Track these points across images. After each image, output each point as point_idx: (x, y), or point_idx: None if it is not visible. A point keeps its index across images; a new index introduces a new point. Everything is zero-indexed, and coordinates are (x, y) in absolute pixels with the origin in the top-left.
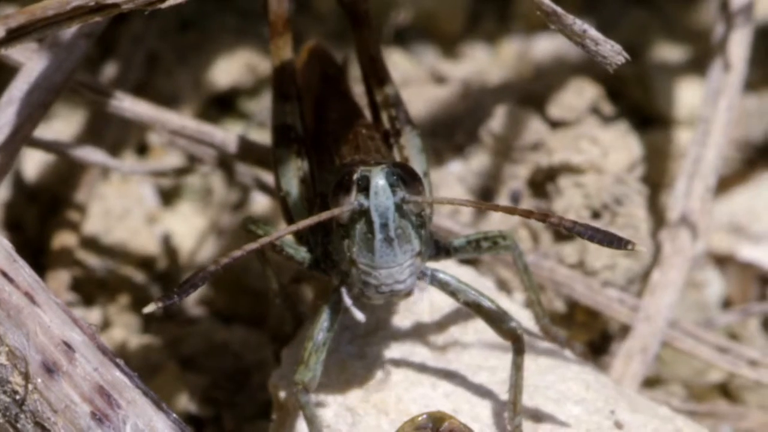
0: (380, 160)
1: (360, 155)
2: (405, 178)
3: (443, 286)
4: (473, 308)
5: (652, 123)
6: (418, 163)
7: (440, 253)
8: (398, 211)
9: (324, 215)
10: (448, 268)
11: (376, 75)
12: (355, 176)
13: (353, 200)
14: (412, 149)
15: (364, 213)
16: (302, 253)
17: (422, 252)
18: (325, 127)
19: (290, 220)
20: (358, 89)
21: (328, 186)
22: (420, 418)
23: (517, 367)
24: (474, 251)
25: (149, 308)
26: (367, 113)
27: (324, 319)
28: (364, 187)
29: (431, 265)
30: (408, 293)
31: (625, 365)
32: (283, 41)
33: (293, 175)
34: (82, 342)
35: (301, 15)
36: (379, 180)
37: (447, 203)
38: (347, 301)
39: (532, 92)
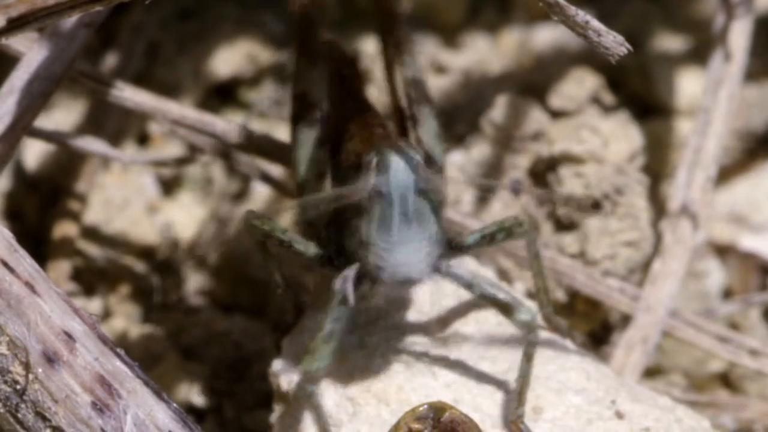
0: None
1: (375, 140)
2: (422, 161)
3: (458, 279)
4: (489, 301)
5: (652, 113)
6: (435, 156)
7: (451, 252)
8: (416, 189)
9: (342, 191)
10: None
11: (393, 35)
12: (373, 157)
13: (372, 180)
14: (429, 140)
15: (382, 192)
16: (312, 249)
17: (438, 240)
18: (342, 124)
19: (304, 212)
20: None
21: (340, 172)
22: (421, 408)
23: (528, 358)
24: (488, 245)
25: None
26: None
27: (334, 311)
28: (383, 166)
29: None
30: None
31: (626, 355)
32: None
33: (312, 166)
34: (82, 332)
35: None
36: (397, 158)
37: (469, 183)
38: (347, 281)
39: (532, 82)
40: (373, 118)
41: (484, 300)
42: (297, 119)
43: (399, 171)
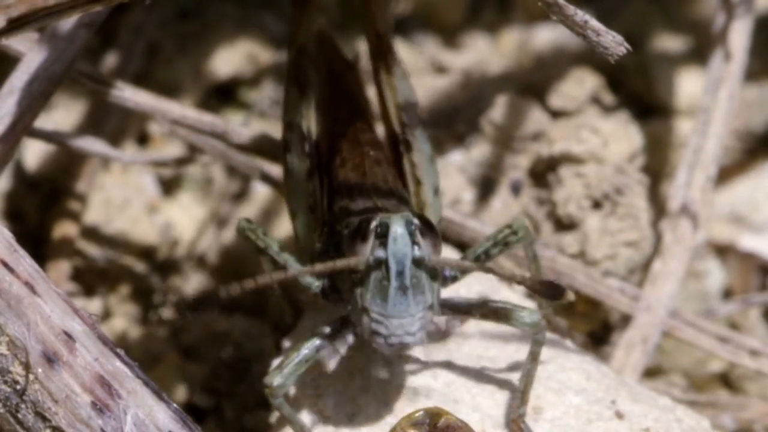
0: (388, 193)
1: (367, 185)
2: (423, 229)
3: (456, 310)
4: (491, 318)
5: (652, 113)
6: (429, 178)
7: (448, 281)
8: (414, 260)
9: (340, 264)
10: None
11: (383, 57)
12: (374, 224)
13: (370, 250)
14: (422, 163)
15: (380, 261)
16: (308, 278)
17: (434, 305)
18: (333, 143)
19: (296, 237)
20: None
21: (334, 216)
22: (417, 414)
23: (534, 357)
24: (485, 262)
25: (167, 314)
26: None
27: (316, 341)
28: (382, 234)
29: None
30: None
31: (626, 355)
32: (306, 18)
33: (303, 197)
34: (82, 332)
35: None
36: (398, 228)
37: (460, 266)
38: (343, 347)
39: (532, 82)
40: (366, 132)
41: (486, 318)
42: (287, 148)
43: (398, 239)
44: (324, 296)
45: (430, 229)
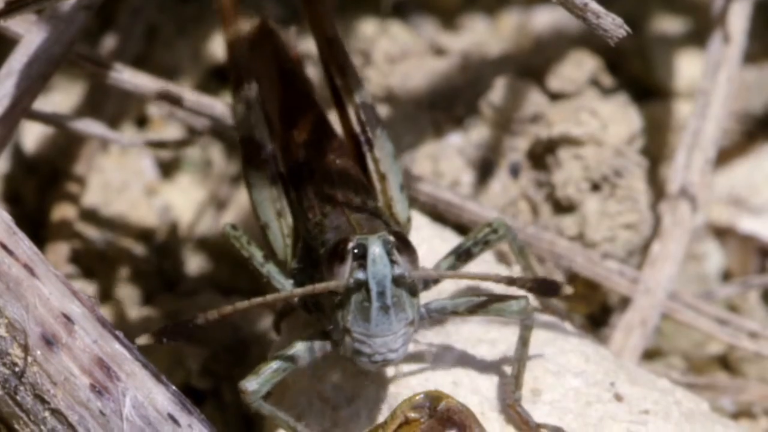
0: (361, 206)
1: (339, 199)
2: (399, 246)
3: (440, 312)
4: (480, 313)
5: (651, 95)
6: (394, 175)
7: (429, 284)
8: (394, 279)
9: (320, 287)
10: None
11: (336, 61)
12: (351, 245)
13: (349, 271)
14: (386, 159)
15: (360, 283)
16: (288, 288)
17: (414, 321)
18: (298, 153)
19: (272, 252)
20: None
21: (309, 234)
22: (418, 398)
23: (524, 342)
24: (466, 261)
25: (142, 340)
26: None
27: (297, 350)
28: (361, 256)
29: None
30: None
31: (625, 337)
32: (239, 30)
33: (269, 205)
34: (81, 314)
35: None
36: (376, 248)
37: (441, 276)
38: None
39: (531, 64)
40: (329, 139)
41: (473, 314)
42: (247, 162)
43: (377, 260)
44: (307, 311)
45: (406, 245)
